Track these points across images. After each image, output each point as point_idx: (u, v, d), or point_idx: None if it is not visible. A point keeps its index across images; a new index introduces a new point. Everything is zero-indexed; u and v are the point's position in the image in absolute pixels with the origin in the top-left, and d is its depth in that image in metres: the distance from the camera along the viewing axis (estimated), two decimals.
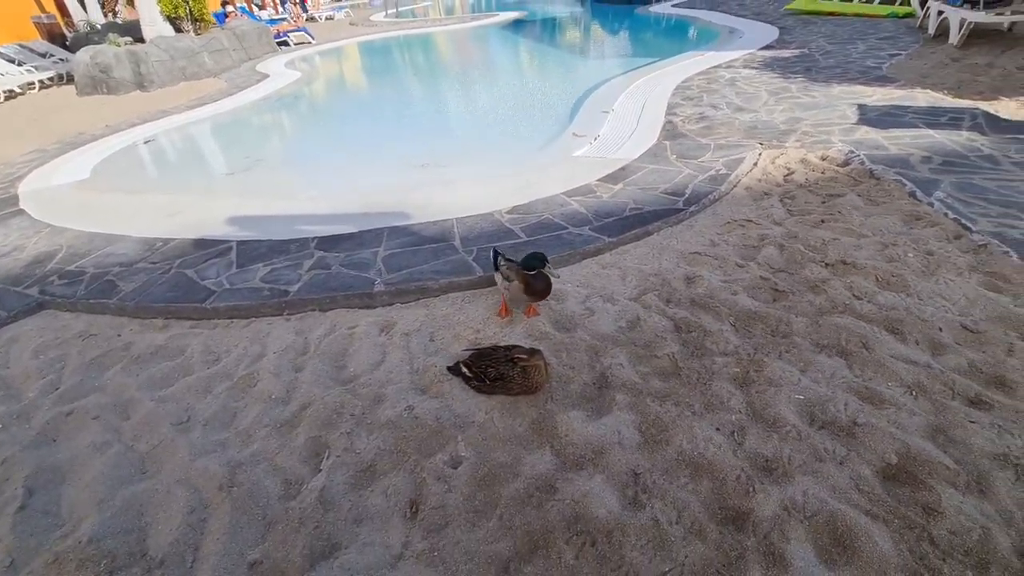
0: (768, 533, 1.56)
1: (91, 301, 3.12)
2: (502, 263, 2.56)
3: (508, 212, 3.67)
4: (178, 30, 11.64)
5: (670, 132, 4.96)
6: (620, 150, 4.67)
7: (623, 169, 4.23)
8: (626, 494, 1.73)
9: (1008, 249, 2.70)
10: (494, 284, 2.76)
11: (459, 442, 1.97)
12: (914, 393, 1.98)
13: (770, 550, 1.52)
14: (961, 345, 2.19)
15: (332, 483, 1.86)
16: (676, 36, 11.91)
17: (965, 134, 4.18)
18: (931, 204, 3.22)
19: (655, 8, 15.25)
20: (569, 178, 4.15)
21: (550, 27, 16.48)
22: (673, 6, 14.92)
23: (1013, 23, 7.03)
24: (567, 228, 3.37)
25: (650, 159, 4.37)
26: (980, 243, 2.80)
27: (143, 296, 3.10)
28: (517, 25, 16.59)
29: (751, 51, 8.15)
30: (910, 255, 2.79)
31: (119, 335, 2.87)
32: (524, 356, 2.09)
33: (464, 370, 2.21)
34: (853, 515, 1.56)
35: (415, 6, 29.26)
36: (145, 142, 6.84)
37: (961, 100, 4.97)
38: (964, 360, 2.11)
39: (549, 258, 2.43)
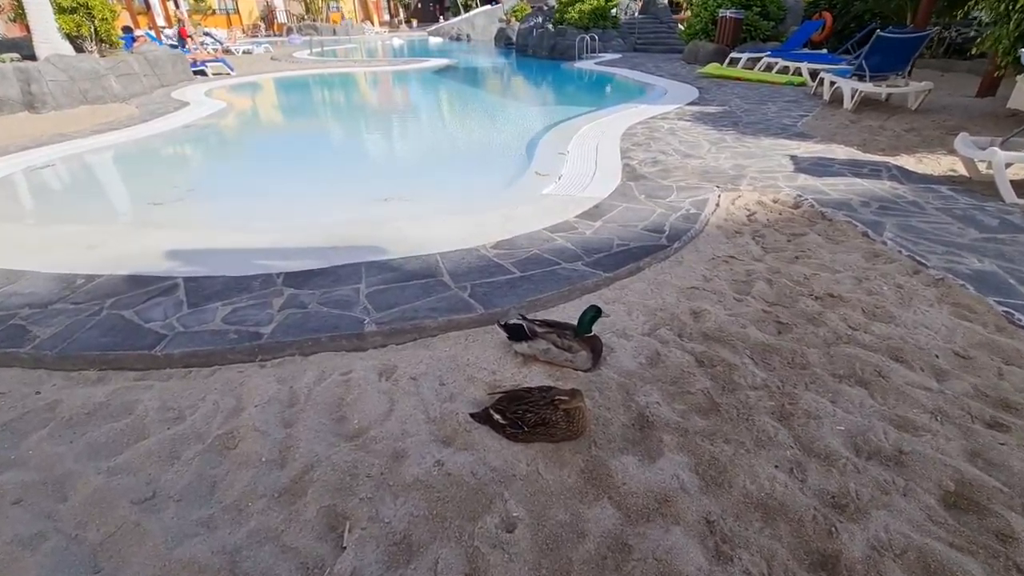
0: None
1: None
2: (538, 328, 2.37)
3: (493, 247, 3.53)
4: (79, 50, 10.54)
5: (631, 174, 5.14)
6: (587, 189, 4.73)
7: (597, 207, 4.27)
8: (707, 546, 1.58)
9: (964, 283, 2.99)
10: (495, 322, 2.58)
11: (506, 500, 1.72)
12: (939, 418, 2.05)
13: None
14: (959, 371, 2.33)
15: (363, 563, 1.53)
16: (605, 90, 12.71)
17: (887, 183, 4.72)
18: (884, 243, 3.53)
19: (579, 64, 16.27)
20: (546, 214, 4.10)
21: (484, 75, 17.01)
22: (596, 63, 16.03)
23: (890, 94, 8.32)
24: (559, 263, 3.29)
25: (620, 198, 4.46)
26: (938, 277, 3.08)
27: (68, 344, 2.54)
28: (449, 71, 16.92)
29: (679, 106, 8.85)
30: (885, 288, 2.99)
31: (37, 392, 2.30)
32: (565, 398, 1.92)
33: (496, 416, 1.98)
34: (941, 549, 1.52)
35: (337, 47, 29.08)
36: (43, 167, 5.93)
37: (871, 155, 5.65)
38: (968, 385, 2.23)
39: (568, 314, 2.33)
